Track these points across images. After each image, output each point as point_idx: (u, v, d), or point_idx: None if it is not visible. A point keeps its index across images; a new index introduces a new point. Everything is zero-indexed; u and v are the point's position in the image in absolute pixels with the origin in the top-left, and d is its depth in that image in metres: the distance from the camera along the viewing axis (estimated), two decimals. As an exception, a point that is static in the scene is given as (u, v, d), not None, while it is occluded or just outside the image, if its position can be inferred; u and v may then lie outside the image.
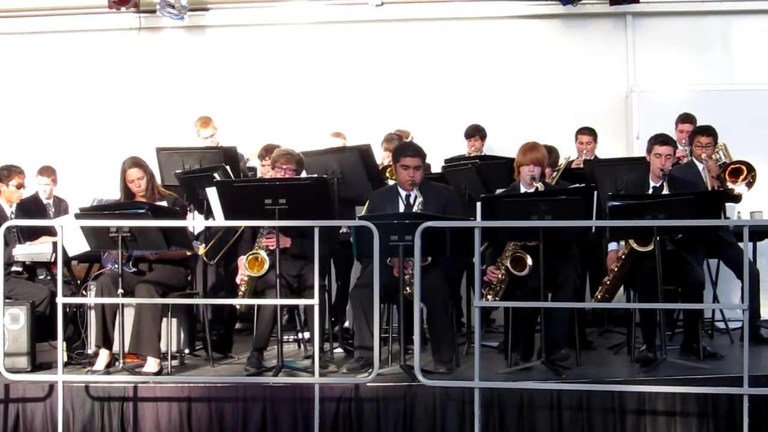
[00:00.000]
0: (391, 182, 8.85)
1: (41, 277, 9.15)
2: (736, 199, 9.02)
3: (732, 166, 8.97)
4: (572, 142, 10.76)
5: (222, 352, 8.80)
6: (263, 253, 7.94)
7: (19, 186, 9.28)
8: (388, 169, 9.08)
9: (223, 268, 9.23)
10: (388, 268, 7.76)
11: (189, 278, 8.48)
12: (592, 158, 10.43)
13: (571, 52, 12.40)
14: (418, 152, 8.19)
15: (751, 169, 8.94)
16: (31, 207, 9.96)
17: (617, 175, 8.92)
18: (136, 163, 8.27)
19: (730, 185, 8.90)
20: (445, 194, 8.29)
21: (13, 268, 8.78)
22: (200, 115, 10.86)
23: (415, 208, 7.99)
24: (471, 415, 6.92)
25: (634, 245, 7.83)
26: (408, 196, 8.14)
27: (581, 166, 10.13)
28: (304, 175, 8.80)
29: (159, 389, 7.40)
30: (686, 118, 10.05)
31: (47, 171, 10.40)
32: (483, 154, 11.15)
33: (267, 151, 9.24)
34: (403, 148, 8.42)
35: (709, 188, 8.87)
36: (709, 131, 9.20)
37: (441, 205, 8.04)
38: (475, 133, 11.32)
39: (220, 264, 9.09)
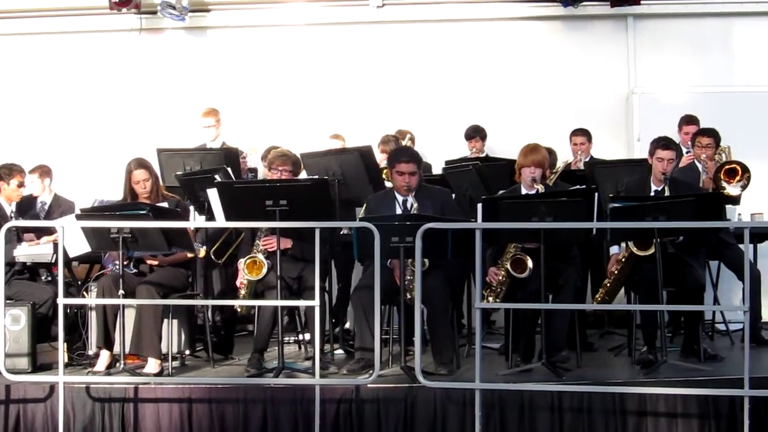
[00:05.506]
0: (388, 184, 8.83)
1: (42, 278, 9.14)
2: (736, 201, 9.01)
3: (727, 167, 8.95)
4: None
5: (223, 354, 8.81)
6: (261, 257, 7.95)
7: (20, 185, 9.29)
8: (384, 171, 9.07)
9: (223, 272, 9.24)
10: (389, 270, 7.76)
11: (190, 279, 8.48)
12: (588, 159, 10.44)
13: (572, 53, 12.39)
14: (413, 157, 8.17)
15: (745, 170, 8.92)
16: (24, 206, 9.94)
17: (618, 177, 8.92)
18: (142, 164, 8.28)
19: (724, 185, 8.88)
20: (442, 197, 8.29)
21: (16, 269, 8.80)
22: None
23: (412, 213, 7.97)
24: (472, 416, 6.92)
25: (634, 249, 7.84)
26: (405, 201, 8.12)
27: (579, 167, 10.15)
28: (302, 176, 8.82)
29: (160, 390, 7.41)
30: (690, 120, 10.03)
31: (35, 169, 10.33)
32: (485, 154, 11.17)
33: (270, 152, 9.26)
34: (398, 153, 8.37)
35: (701, 183, 8.88)
36: (709, 132, 9.24)
37: (438, 208, 8.02)
38: (475, 134, 11.33)
39: (224, 267, 9.09)
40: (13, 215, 9.18)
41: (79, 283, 9.18)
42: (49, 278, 9.07)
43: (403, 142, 10.29)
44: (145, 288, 7.89)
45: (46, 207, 10.35)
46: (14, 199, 9.27)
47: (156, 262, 8.22)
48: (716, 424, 6.95)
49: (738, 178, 8.87)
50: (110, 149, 11.71)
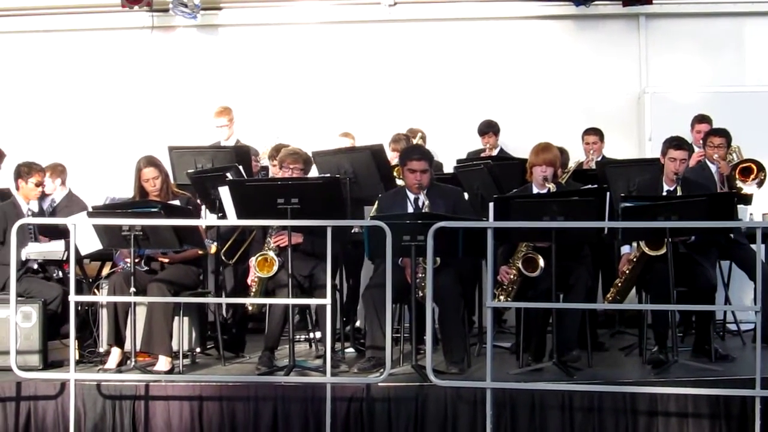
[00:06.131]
0: (399, 182, 8.82)
1: (54, 275, 9.14)
2: (747, 200, 9.00)
3: (742, 165, 8.96)
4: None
5: (233, 352, 8.81)
6: (272, 254, 7.95)
7: (39, 184, 9.28)
8: (396, 169, 9.07)
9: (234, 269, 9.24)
10: (401, 268, 7.75)
11: (201, 277, 8.49)
12: (600, 158, 10.43)
13: (584, 53, 12.40)
14: (425, 155, 8.15)
15: (761, 168, 8.93)
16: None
17: (629, 177, 8.89)
18: (152, 162, 8.28)
19: (740, 184, 8.87)
20: (454, 195, 8.28)
21: (33, 266, 8.83)
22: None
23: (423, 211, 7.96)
24: (482, 415, 6.91)
25: (646, 249, 7.82)
26: (416, 199, 8.10)
27: (591, 166, 10.13)
28: (313, 174, 8.81)
29: (170, 388, 7.41)
30: (702, 118, 10.06)
31: (47, 167, 10.25)
32: (499, 149, 11.25)
33: (277, 151, 9.26)
34: (409, 151, 8.36)
35: (718, 190, 8.86)
36: (721, 132, 9.22)
37: (450, 207, 8.01)
38: (489, 129, 11.36)
39: (236, 265, 9.08)
40: (30, 213, 9.18)
41: (90, 280, 9.19)
42: (60, 276, 9.07)
43: (414, 141, 10.29)
44: (156, 286, 7.90)
45: (54, 204, 10.34)
46: (32, 198, 9.25)
47: (167, 260, 8.22)
48: (727, 424, 6.94)
49: (753, 176, 8.88)
50: (122, 147, 11.71)
